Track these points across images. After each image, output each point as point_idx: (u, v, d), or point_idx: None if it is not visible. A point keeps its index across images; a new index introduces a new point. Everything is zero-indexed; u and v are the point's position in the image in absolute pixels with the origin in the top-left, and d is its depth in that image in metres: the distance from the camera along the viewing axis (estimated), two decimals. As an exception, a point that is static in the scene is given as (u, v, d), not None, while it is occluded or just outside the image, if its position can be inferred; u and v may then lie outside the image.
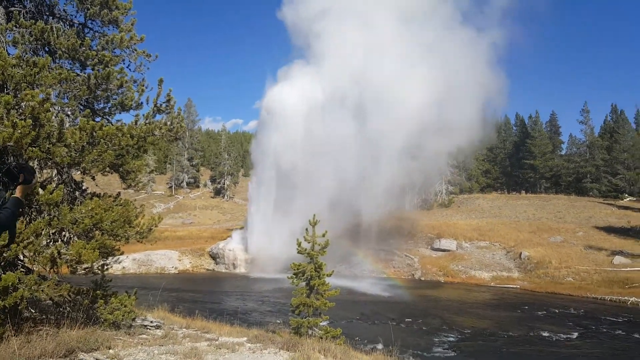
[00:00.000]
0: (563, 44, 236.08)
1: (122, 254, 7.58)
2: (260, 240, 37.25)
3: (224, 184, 77.99)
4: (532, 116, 75.94)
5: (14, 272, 5.68)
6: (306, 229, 12.11)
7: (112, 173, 7.22)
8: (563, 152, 74.94)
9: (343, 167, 36.89)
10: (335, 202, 34.78)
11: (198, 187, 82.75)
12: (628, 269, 30.16)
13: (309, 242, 11.90)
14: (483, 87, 40.35)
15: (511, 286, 31.03)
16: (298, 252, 12.03)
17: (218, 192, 78.79)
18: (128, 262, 34.02)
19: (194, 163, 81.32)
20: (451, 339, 18.46)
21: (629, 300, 25.31)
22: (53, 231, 6.62)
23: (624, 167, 61.10)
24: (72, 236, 6.87)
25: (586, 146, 66.48)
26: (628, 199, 55.95)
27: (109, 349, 5.87)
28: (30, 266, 6.48)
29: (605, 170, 63.42)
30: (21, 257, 6.40)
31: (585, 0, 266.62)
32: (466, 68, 39.59)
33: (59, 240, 6.87)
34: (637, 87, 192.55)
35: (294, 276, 11.87)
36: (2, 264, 5.93)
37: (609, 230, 38.95)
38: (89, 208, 6.41)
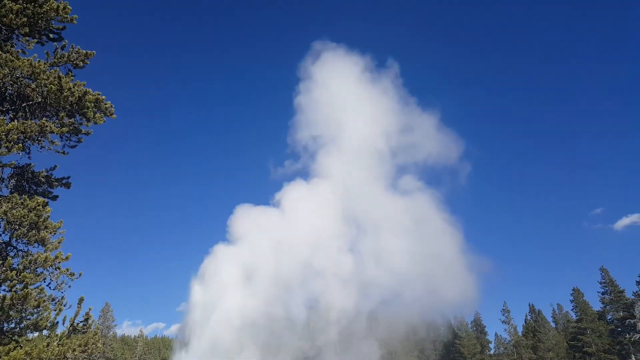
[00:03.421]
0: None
1: None
2: None
3: (135, 399, 68.76)
4: (457, 316, 77.35)
5: None
6: None
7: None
8: (492, 352, 74.94)
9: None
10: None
11: (105, 404, 72.08)
12: None
13: None
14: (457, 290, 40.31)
15: None
16: None
17: (128, 410, 68.84)
18: None
19: (104, 375, 72.32)
20: None
21: None
22: None
23: (551, 366, 61.79)
24: None
25: (512, 345, 67.41)
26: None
27: None
28: None
29: (534, 370, 63.49)
30: None
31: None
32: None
33: None
34: (551, 286, 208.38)
35: None
36: None
37: None
38: None
